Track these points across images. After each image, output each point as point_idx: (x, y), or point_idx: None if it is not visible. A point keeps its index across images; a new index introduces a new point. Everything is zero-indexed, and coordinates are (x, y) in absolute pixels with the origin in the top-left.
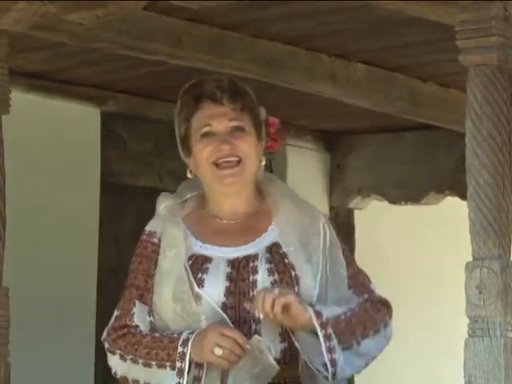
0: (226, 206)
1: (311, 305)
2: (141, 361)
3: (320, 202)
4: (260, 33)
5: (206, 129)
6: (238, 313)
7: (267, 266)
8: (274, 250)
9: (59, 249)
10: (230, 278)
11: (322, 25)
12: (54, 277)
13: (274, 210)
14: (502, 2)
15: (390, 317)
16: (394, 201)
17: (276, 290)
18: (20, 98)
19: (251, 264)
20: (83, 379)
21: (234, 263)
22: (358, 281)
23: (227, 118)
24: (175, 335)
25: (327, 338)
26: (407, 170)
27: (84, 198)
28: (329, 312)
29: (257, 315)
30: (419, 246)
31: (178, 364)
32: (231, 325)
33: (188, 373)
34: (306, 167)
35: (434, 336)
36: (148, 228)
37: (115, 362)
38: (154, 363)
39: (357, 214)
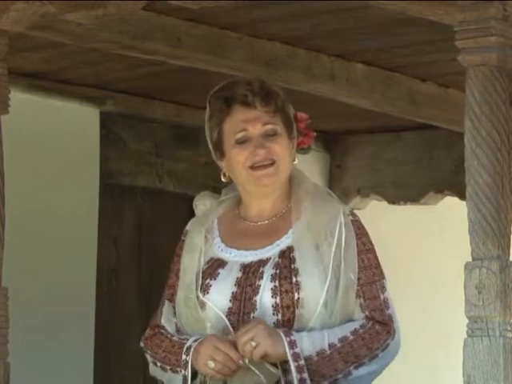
0: (254, 208)
1: (289, 332)
2: (159, 364)
3: None
4: (259, 33)
5: (242, 134)
6: (242, 318)
7: (272, 271)
8: (285, 254)
9: (58, 249)
10: (238, 283)
11: (321, 25)
12: (53, 277)
13: (296, 212)
14: (501, 2)
15: (392, 337)
16: (393, 201)
17: (252, 343)
18: (19, 98)
19: (261, 269)
20: (83, 379)
21: (246, 268)
22: (368, 291)
23: (261, 122)
24: (184, 341)
25: (299, 369)
26: (406, 170)
27: (83, 198)
28: (309, 345)
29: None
30: (418, 246)
31: (183, 371)
32: (232, 332)
33: (195, 378)
34: (305, 167)
35: (432, 336)
36: (186, 227)
37: (149, 361)
38: (168, 368)
39: None
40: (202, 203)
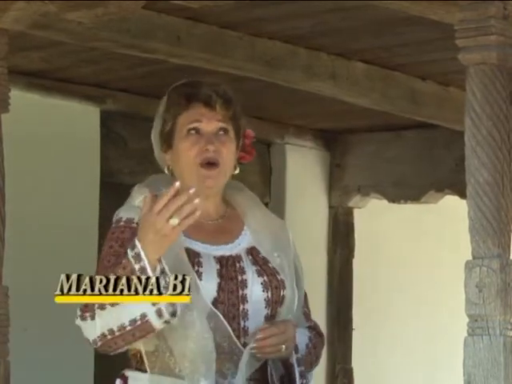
0: (200, 206)
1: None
2: (107, 303)
3: (319, 200)
4: (260, 32)
5: (195, 124)
6: (228, 308)
7: (254, 267)
8: (254, 254)
9: (59, 248)
10: (220, 274)
11: (321, 24)
12: (53, 276)
13: (244, 217)
14: (502, 2)
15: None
16: (393, 199)
17: (283, 348)
18: (19, 97)
19: (237, 264)
20: (83, 379)
21: (221, 261)
22: (306, 302)
23: (217, 119)
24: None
25: (302, 373)
26: (407, 169)
27: (84, 197)
28: (302, 349)
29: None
30: (418, 245)
31: (137, 266)
32: (223, 319)
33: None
34: (305, 166)
35: (433, 335)
36: (124, 215)
37: (89, 329)
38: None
39: (356, 213)
40: (140, 193)
